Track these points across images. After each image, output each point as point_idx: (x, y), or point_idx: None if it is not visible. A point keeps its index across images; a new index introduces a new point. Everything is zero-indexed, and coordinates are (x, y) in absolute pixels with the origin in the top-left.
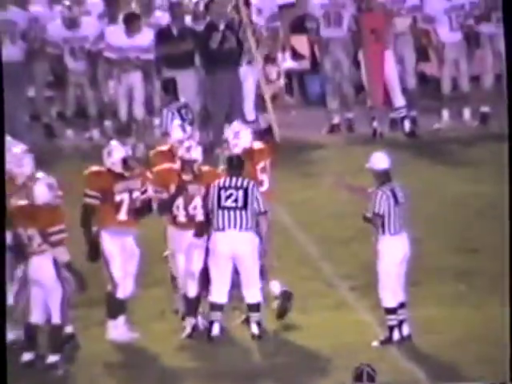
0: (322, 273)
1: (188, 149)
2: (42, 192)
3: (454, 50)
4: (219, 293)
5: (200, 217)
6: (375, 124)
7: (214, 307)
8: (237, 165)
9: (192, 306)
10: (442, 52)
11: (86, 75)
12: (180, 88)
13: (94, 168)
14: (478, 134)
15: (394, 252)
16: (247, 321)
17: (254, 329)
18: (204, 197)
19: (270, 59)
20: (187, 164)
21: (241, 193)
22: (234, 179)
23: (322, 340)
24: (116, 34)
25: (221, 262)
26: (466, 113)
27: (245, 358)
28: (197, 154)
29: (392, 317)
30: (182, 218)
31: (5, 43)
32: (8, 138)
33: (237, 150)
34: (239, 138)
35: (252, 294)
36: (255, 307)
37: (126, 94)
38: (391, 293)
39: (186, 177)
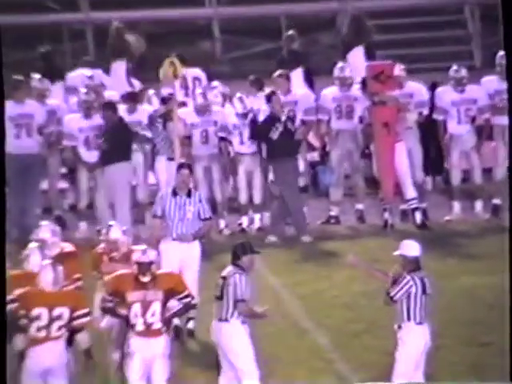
0: (333, 365)
1: (144, 251)
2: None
3: (461, 142)
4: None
5: (158, 324)
6: (386, 215)
7: None
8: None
9: None
10: (449, 144)
11: (99, 166)
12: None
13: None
14: (490, 227)
15: (416, 341)
16: None
17: None
18: (163, 302)
19: None
20: (144, 267)
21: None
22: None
23: None
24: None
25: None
26: (478, 205)
27: None
28: (153, 255)
29: None
30: (139, 326)
31: (21, 136)
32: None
33: (123, 249)
34: (111, 231)
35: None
36: None
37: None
38: (407, 381)
39: (143, 279)
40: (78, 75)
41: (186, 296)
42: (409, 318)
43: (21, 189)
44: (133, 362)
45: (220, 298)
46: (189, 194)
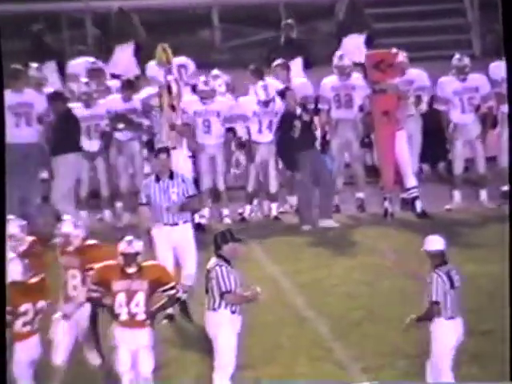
0: (333, 354)
1: (129, 242)
2: (19, 268)
3: (465, 132)
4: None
5: (142, 315)
6: (386, 204)
7: None
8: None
9: None
10: (453, 133)
11: (99, 156)
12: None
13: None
14: (491, 215)
15: (447, 336)
16: None
17: None
18: (148, 293)
19: None
20: (129, 258)
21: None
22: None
23: None
24: (113, 101)
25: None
26: (483, 194)
27: None
28: (138, 246)
29: None
30: (123, 316)
31: (20, 125)
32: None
33: (77, 242)
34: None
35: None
36: None
37: (126, 164)
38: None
39: (129, 270)
40: (80, 63)
41: (171, 288)
42: (439, 314)
43: (20, 178)
44: (120, 354)
45: (207, 291)
46: (171, 177)
